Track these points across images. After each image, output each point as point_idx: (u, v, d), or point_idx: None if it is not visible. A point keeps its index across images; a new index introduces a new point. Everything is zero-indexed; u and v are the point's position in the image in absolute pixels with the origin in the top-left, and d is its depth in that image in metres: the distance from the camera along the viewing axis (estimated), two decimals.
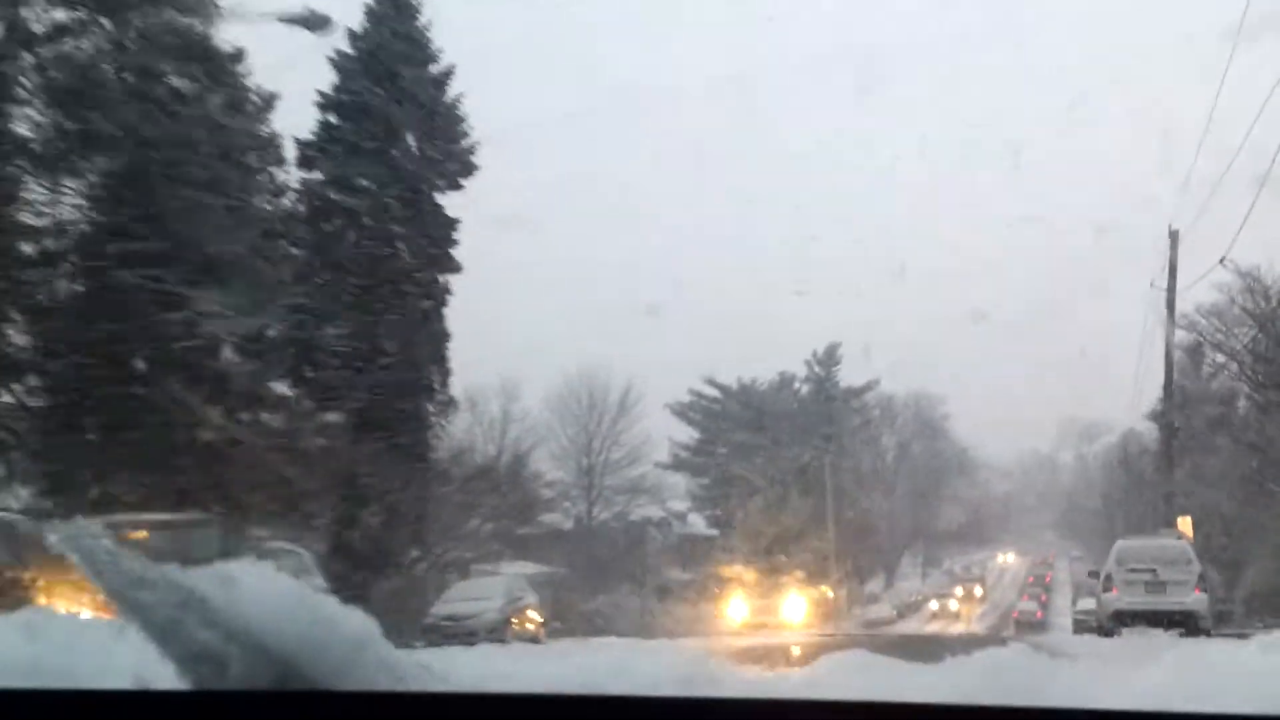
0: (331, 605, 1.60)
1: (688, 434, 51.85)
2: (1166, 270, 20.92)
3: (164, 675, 1.52)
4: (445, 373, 22.33)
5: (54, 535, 1.57)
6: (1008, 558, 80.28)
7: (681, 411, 51.96)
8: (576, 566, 37.34)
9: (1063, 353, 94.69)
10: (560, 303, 65.96)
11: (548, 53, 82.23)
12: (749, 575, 43.86)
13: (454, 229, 21.91)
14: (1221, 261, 20.25)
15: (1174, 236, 20.83)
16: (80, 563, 1.54)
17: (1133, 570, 15.04)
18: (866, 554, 51.36)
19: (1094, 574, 17.68)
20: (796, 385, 52.42)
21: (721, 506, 48.54)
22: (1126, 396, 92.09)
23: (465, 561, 27.53)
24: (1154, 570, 14.94)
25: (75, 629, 2.03)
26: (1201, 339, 27.50)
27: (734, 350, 68.92)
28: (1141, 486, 47.40)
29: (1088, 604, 49.33)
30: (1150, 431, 42.98)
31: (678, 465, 51.39)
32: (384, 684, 1.55)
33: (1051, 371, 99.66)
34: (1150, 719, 1.41)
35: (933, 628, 37.30)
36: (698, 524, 50.20)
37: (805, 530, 47.35)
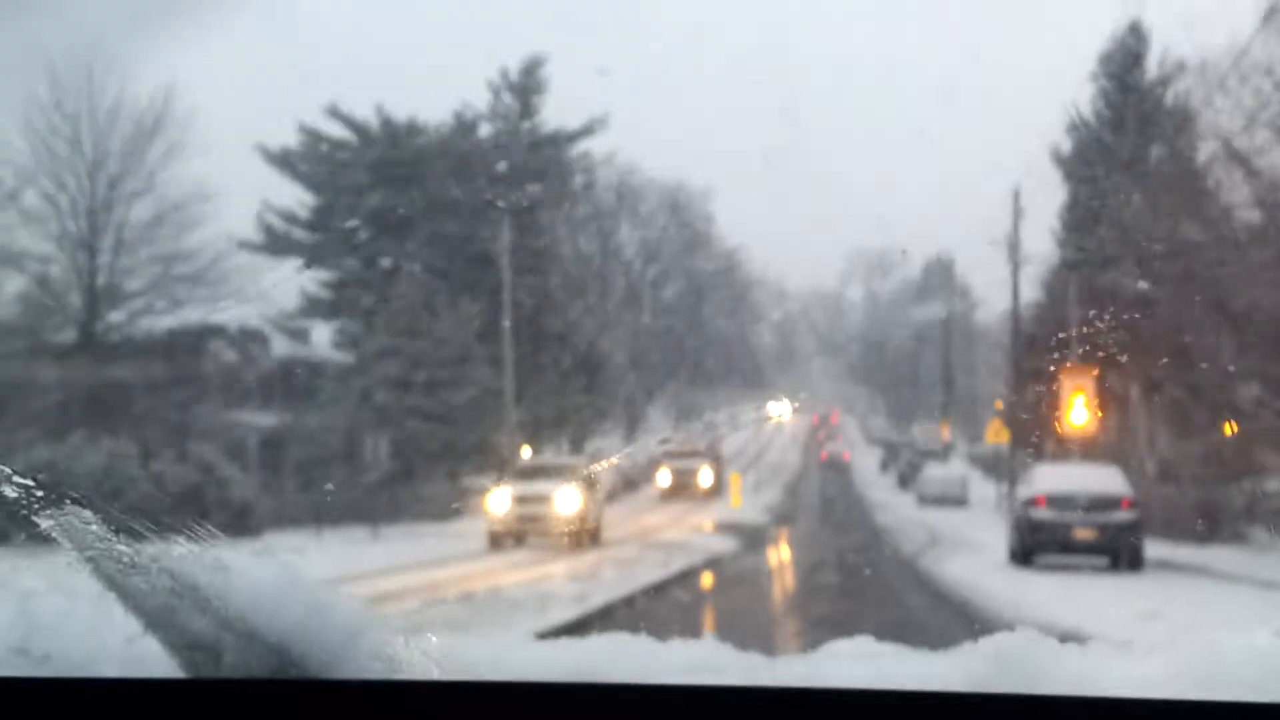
0: (326, 593, 2.25)
1: (297, 196, 47.92)
2: None
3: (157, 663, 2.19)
4: None
5: (45, 521, 2.12)
6: (784, 409, 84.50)
7: (285, 160, 47.56)
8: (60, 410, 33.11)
9: (855, 168, 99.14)
10: None
11: None
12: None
13: None
14: None
15: None
16: (71, 548, 2.10)
17: None
18: (592, 395, 46.93)
19: None
20: (479, 125, 46.50)
21: (356, 315, 45.55)
22: (927, 221, 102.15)
23: None
24: None
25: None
26: None
27: (377, 69, 61.66)
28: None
29: (937, 472, 45.70)
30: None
31: (278, 246, 47.32)
32: (378, 672, 2.19)
33: (840, 192, 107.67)
34: (1162, 707, 2.07)
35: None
36: (320, 341, 48.13)
37: (481, 356, 43.56)
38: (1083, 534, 21.79)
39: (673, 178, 65.22)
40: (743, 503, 42.99)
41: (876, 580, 19.42)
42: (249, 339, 43.71)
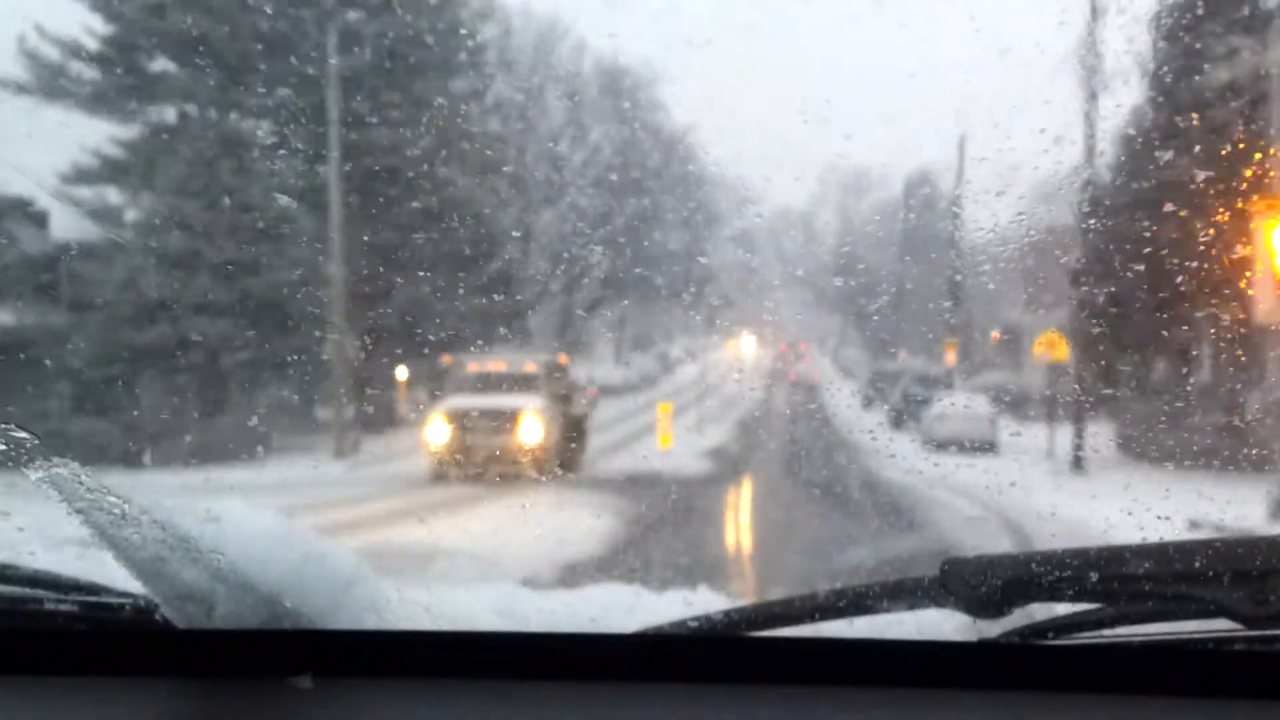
0: (319, 543, 2.90)
1: (81, 20, 47.96)
2: None
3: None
4: None
5: (35, 473, 2.66)
6: (744, 342, 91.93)
7: None
8: None
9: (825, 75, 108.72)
10: None
11: None
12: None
13: None
14: None
15: None
16: (61, 501, 2.66)
17: None
18: (493, 302, 48.56)
19: None
20: None
21: (163, 180, 44.83)
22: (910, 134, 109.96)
23: None
24: None
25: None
26: None
27: None
28: None
29: (956, 406, 47.76)
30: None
31: (50, 86, 47.57)
32: (372, 622, 2.83)
33: (811, 101, 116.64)
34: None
35: None
36: (114, 226, 47.74)
37: (310, 231, 44.14)
38: None
39: (609, 48, 65.94)
40: (673, 443, 38.10)
41: None
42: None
